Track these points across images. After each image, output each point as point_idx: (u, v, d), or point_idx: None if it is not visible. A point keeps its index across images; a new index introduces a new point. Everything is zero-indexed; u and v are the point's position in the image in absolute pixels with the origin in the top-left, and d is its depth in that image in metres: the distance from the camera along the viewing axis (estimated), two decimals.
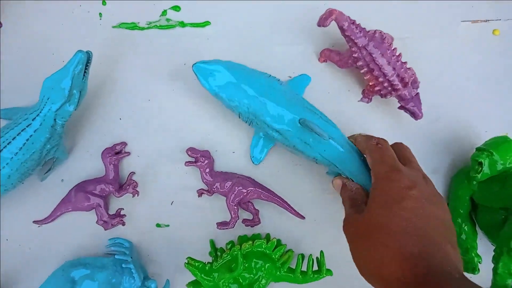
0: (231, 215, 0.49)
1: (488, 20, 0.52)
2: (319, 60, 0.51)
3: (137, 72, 0.51)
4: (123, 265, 0.46)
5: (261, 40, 0.51)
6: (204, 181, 0.49)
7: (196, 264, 0.47)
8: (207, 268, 0.47)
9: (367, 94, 0.50)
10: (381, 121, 0.52)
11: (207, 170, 0.49)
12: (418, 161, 0.44)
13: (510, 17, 0.52)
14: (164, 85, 0.51)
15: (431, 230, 0.35)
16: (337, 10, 0.44)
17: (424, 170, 0.51)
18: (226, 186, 0.49)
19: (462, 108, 0.52)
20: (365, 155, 0.42)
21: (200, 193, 0.50)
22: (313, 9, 0.50)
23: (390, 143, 0.51)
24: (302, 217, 0.51)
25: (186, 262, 0.47)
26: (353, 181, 0.44)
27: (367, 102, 0.51)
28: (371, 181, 0.40)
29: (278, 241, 0.51)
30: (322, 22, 0.44)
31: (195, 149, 0.49)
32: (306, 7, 0.51)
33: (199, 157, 0.49)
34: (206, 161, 0.49)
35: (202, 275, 0.47)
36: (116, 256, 0.47)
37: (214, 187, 0.49)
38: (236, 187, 0.48)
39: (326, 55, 0.50)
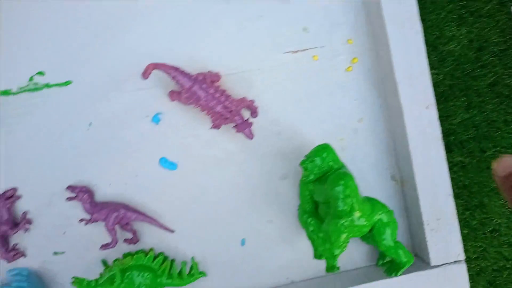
0: (111, 237, 0.59)
1: (306, 49, 0.63)
2: (170, 100, 0.62)
3: (17, 129, 0.60)
4: None
5: (116, 89, 0.61)
6: (86, 211, 0.59)
7: (82, 281, 0.57)
8: (92, 284, 0.57)
9: (214, 123, 0.61)
10: (231, 142, 0.63)
11: (88, 201, 0.59)
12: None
13: (323, 45, 0.63)
14: (43, 137, 0.61)
15: None
16: (156, 64, 0.55)
17: (276, 176, 0.62)
18: (103, 214, 0.59)
19: (297, 123, 0.63)
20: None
21: (85, 222, 0.60)
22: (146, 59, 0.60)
23: (241, 159, 0.62)
24: (172, 231, 0.61)
25: (72, 281, 0.57)
26: None
27: (218, 129, 0.62)
28: None
29: (160, 253, 0.61)
30: (144, 75, 0.55)
31: (73, 186, 0.59)
32: (145, 57, 0.61)
33: (78, 192, 0.59)
34: (85, 195, 0.59)
35: None
36: (13, 284, 0.57)
37: (93, 216, 0.59)
38: (111, 213, 0.58)
39: (173, 96, 0.61)
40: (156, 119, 0.62)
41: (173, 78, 0.56)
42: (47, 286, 0.60)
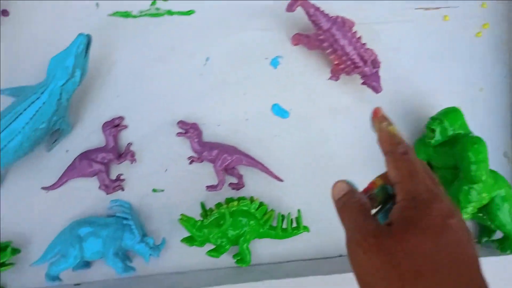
0: (218, 179, 0.56)
1: (439, 8, 0.59)
2: (292, 43, 0.59)
3: (131, 54, 0.57)
4: (124, 222, 0.53)
5: (239, 26, 0.58)
6: (194, 150, 0.56)
7: (189, 220, 0.54)
8: (198, 224, 0.54)
9: (335, 73, 0.58)
10: (347, 96, 0.60)
11: (196, 140, 0.56)
12: None
13: (457, 5, 0.59)
14: (155, 66, 0.58)
15: (473, 272, 0.30)
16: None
17: None
18: (213, 154, 0.55)
19: (418, 83, 0.60)
20: (385, 159, 0.34)
21: (191, 160, 0.57)
22: None
23: (354, 114, 0.59)
24: (281, 180, 0.58)
25: (180, 218, 0.54)
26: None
27: (336, 80, 0.59)
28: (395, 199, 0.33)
29: (261, 202, 0.58)
30: (289, 8, 0.52)
31: (185, 122, 0.56)
32: None
33: (188, 129, 0.56)
34: (195, 132, 0.56)
35: (194, 230, 0.54)
36: (117, 215, 0.54)
37: (203, 155, 0.56)
38: (222, 155, 0.55)
39: (297, 39, 0.57)
40: (275, 62, 0.58)
41: (312, 16, 0.52)
42: (142, 221, 0.57)
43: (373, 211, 0.35)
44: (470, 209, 0.53)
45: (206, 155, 0.56)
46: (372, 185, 0.35)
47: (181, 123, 0.56)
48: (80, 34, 0.49)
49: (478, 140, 0.53)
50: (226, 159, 0.55)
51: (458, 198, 0.53)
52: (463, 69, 0.61)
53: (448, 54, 0.60)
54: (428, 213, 0.30)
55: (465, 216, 0.53)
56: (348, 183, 0.35)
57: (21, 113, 0.48)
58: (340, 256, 0.58)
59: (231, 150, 0.56)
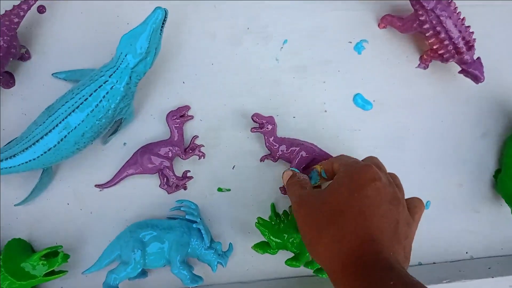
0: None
1: None
2: (378, 26, 0.52)
3: (200, 37, 0.51)
4: (194, 226, 0.47)
5: (321, 6, 0.51)
6: (268, 146, 0.49)
7: (266, 223, 0.47)
8: (276, 228, 0.47)
9: (425, 60, 0.51)
10: (435, 87, 0.54)
11: (272, 135, 0.49)
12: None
13: None
14: (226, 50, 0.51)
15: (385, 224, 0.36)
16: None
17: (476, 133, 0.53)
18: (292, 152, 0.49)
19: (509, 75, 0.54)
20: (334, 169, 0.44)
21: (264, 158, 0.51)
22: None
23: (444, 107, 0.53)
24: None
25: (257, 221, 0.47)
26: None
27: (424, 68, 0.52)
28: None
29: None
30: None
31: (260, 115, 0.49)
32: None
33: (264, 123, 0.49)
34: (270, 127, 0.49)
35: (271, 236, 0.47)
36: (186, 217, 0.47)
37: (279, 152, 0.49)
38: (301, 153, 0.49)
39: (387, 21, 0.51)
40: (359, 47, 0.52)
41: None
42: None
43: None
44: None
45: (283, 153, 0.49)
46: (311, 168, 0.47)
47: (256, 116, 0.49)
48: (157, 8, 0.42)
49: None
50: (306, 158, 0.49)
51: None
52: None
53: None
54: (350, 174, 0.38)
55: None
56: (292, 169, 0.46)
57: (86, 99, 0.41)
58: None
59: (312, 148, 0.50)
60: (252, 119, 0.49)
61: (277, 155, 0.49)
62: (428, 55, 0.50)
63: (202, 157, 0.50)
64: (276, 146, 0.49)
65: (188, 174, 0.50)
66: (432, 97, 0.54)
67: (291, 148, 0.49)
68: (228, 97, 0.51)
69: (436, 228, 0.54)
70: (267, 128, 0.49)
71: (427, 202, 0.54)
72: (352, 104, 0.53)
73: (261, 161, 0.51)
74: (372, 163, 0.40)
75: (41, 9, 0.49)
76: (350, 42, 0.52)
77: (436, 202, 0.54)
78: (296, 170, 0.46)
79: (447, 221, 0.54)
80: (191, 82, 0.50)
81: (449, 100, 0.54)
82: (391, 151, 0.53)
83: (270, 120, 0.49)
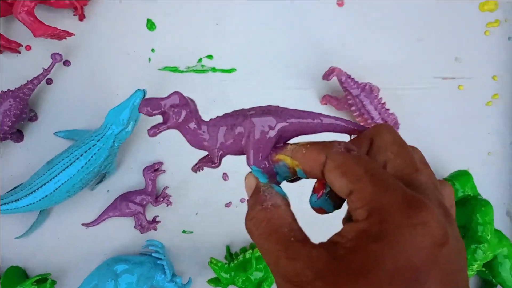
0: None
1: (455, 78, 0.65)
2: (320, 103, 0.64)
3: None
4: (158, 262, 0.57)
5: (277, 84, 0.63)
6: (195, 142, 0.30)
7: (218, 263, 0.58)
8: (225, 267, 0.58)
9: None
10: None
11: (194, 123, 0.29)
12: None
13: (471, 76, 0.65)
14: None
15: None
16: (337, 68, 0.57)
17: None
18: (237, 137, 0.28)
19: (433, 146, 0.65)
20: (325, 168, 0.24)
21: (198, 167, 0.31)
22: (319, 62, 0.62)
23: None
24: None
25: (210, 261, 0.58)
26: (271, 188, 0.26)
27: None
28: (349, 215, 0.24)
29: None
30: (326, 77, 0.57)
31: (152, 101, 0.29)
32: (313, 59, 0.63)
33: (166, 111, 0.29)
34: (182, 113, 0.29)
35: (222, 273, 0.58)
36: (152, 254, 0.58)
37: (217, 145, 0.29)
38: (254, 132, 0.28)
39: (327, 100, 0.63)
40: None
41: (344, 83, 0.58)
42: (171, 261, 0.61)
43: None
44: (475, 266, 0.58)
45: (225, 146, 0.29)
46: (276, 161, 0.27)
47: (145, 104, 0.29)
48: (138, 90, 0.54)
49: (485, 203, 0.58)
50: (266, 136, 0.27)
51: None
52: (473, 134, 0.66)
53: (461, 120, 0.66)
54: (402, 245, 0.19)
55: (470, 273, 0.57)
56: (255, 173, 0.27)
57: (78, 158, 0.53)
58: None
59: (271, 116, 0.28)
60: (142, 111, 0.29)
61: (217, 153, 0.29)
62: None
63: (170, 205, 0.61)
64: (205, 136, 0.29)
65: (158, 219, 0.61)
66: None
67: (234, 131, 0.28)
68: (196, 156, 0.62)
69: None
70: (177, 117, 0.29)
71: None
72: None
73: (194, 170, 0.32)
74: (435, 199, 0.22)
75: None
76: None
77: None
78: (259, 175, 0.27)
79: None
80: (166, 142, 0.62)
81: None
82: None
83: (175, 100, 0.29)
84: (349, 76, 0.58)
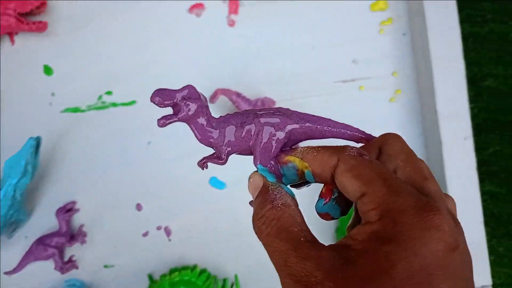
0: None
1: (355, 80, 0.67)
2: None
3: (82, 144, 0.64)
4: None
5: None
6: (202, 138, 0.29)
7: None
8: None
9: None
10: None
11: (204, 118, 0.29)
12: None
13: (370, 76, 0.67)
14: (104, 152, 0.64)
15: None
16: (223, 89, 0.58)
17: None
18: (246, 136, 0.28)
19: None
20: (336, 172, 0.24)
21: (204, 162, 0.30)
22: (215, 85, 0.64)
23: None
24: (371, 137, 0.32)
25: None
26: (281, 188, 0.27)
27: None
28: (355, 220, 0.25)
29: (203, 270, 0.63)
30: (211, 100, 0.59)
31: (165, 92, 0.30)
32: (209, 82, 0.64)
33: (178, 102, 0.30)
34: (193, 106, 0.29)
35: None
36: None
37: (225, 143, 0.29)
38: (263, 131, 0.28)
39: None
40: None
41: (235, 103, 0.59)
42: None
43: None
44: None
45: (233, 144, 0.29)
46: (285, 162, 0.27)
47: (157, 95, 0.30)
48: (30, 138, 0.56)
49: None
50: (274, 138, 0.28)
51: None
52: (381, 132, 0.67)
53: (367, 119, 0.67)
54: (417, 247, 0.20)
55: None
56: (262, 173, 0.27)
57: None
58: None
59: (279, 117, 0.29)
60: (153, 101, 0.30)
61: (225, 150, 0.29)
62: None
63: (84, 243, 0.62)
64: (214, 133, 0.29)
65: (78, 256, 0.62)
66: None
67: (243, 129, 0.28)
68: (107, 191, 0.63)
69: None
70: (188, 110, 0.29)
71: None
72: (209, 186, 0.65)
73: (201, 166, 0.30)
74: (444, 207, 0.22)
75: None
76: None
77: None
78: (267, 174, 0.27)
79: None
80: (78, 180, 0.63)
81: None
82: (246, 222, 0.65)
83: (187, 92, 0.30)
84: (239, 95, 0.59)
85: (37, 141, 0.56)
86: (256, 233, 0.24)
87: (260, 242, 0.24)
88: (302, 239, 0.22)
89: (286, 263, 0.21)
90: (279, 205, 0.24)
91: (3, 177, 0.56)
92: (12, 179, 0.56)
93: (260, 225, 0.24)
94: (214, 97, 0.59)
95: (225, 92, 0.59)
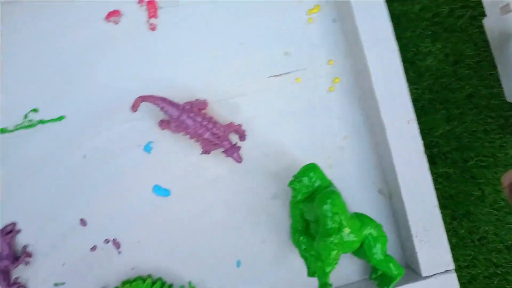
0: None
1: (289, 72, 0.65)
2: (160, 128, 0.64)
3: (15, 165, 0.63)
4: None
5: (107, 122, 0.63)
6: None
7: None
8: None
9: (204, 149, 0.63)
10: (223, 166, 0.64)
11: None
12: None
13: (305, 67, 0.65)
14: (40, 171, 0.63)
15: None
16: (145, 96, 0.57)
17: (267, 197, 0.63)
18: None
19: (285, 144, 0.65)
20: None
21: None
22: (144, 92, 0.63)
23: (234, 181, 0.63)
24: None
25: None
26: None
27: (208, 154, 0.64)
28: None
29: (158, 279, 0.62)
30: (133, 108, 0.58)
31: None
32: (136, 91, 0.63)
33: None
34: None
35: None
36: None
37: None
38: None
39: (163, 125, 0.63)
40: (148, 148, 0.64)
41: (162, 109, 0.58)
42: None
43: None
44: (332, 262, 0.57)
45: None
46: None
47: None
48: None
49: (331, 194, 0.57)
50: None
51: (319, 251, 0.57)
52: (324, 122, 0.66)
53: (307, 111, 0.65)
54: None
55: (328, 269, 0.57)
56: None
57: None
58: None
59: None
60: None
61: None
62: (202, 147, 0.62)
63: (28, 264, 0.61)
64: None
65: (27, 276, 0.62)
66: (225, 176, 0.64)
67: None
68: (49, 209, 0.63)
69: (253, 281, 0.64)
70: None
71: (237, 261, 0.64)
72: (153, 194, 0.64)
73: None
74: None
75: None
76: (140, 145, 0.64)
77: (247, 259, 0.64)
78: None
79: (262, 273, 0.64)
80: (16, 202, 0.63)
81: (239, 175, 0.64)
82: (195, 228, 0.64)
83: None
84: (164, 99, 0.58)
85: None
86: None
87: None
88: None
89: None
90: None
91: None
92: None
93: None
94: (134, 105, 0.58)
95: (148, 98, 0.58)
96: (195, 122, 0.58)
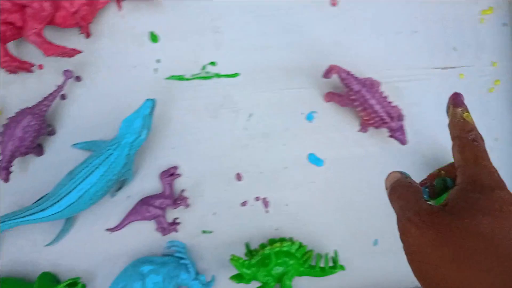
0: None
1: (455, 67, 0.67)
2: (324, 100, 0.66)
3: (185, 111, 0.65)
4: (181, 262, 0.60)
5: (278, 86, 0.66)
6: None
7: (238, 259, 0.60)
8: (247, 263, 0.60)
9: (363, 126, 0.65)
10: (375, 146, 0.67)
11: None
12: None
13: (470, 64, 0.67)
14: (206, 121, 0.66)
15: None
16: (337, 66, 0.60)
17: None
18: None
19: (438, 136, 0.67)
20: (452, 143, 0.36)
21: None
22: (318, 61, 0.65)
23: (382, 162, 0.66)
24: None
25: (231, 258, 0.60)
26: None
27: (364, 132, 0.66)
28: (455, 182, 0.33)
29: (300, 243, 0.64)
30: (326, 75, 0.60)
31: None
32: (312, 59, 0.66)
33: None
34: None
35: (244, 269, 0.60)
36: (176, 254, 0.61)
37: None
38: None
39: (329, 97, 0.65)
40: (310, 116, 0.66)
41: (345, 80, 0.60)
42: (194, 260, 0.64)
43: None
44: None
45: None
46: (430, 176, 0.37)
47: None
48: (147, 99, 0.58)
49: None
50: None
51: None
52: (479, 121, 0.67)
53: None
54: (488, 197, 0.30)
55: None
56: (400, 172, 0.37)
57: (97, 167, 0.56)
58: None
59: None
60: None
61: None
62: (363, 123, 0.64)
63: (187, 207, 0.64)
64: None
65: (177, 220, 0.64)
66: (373, 155, 0.67)
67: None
68: (209, 158, 0.65)
69: (387, 262, 0.66)
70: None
71: (375, 240, 0.66)
72: (307, 162, 0.66)
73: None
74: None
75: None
76: (302, 113, 0.66)
77: (384, 240, 0.66)
78: (405, 173, 0.37)
79: (396, 255, 0.66)
80: (180, 147, 0.65)
81: (386, 157, 0.67)
82: (342, 200, 0.66)
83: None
84: (349, 73, 0.60)
85: (153, 103, 0.58)
86: (390, 196, 0.37)
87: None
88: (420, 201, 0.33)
89: (406, 201, 0.33)
90: (412, 184, 0.36)
91: (118, 135, 0.58)
92: (128, 138, 0.57)
93: (394, 188, 0.37)
94: (329, 72, 0.60)
95: (338, 70, 0.60)
96: (374, 98, 0.60)
